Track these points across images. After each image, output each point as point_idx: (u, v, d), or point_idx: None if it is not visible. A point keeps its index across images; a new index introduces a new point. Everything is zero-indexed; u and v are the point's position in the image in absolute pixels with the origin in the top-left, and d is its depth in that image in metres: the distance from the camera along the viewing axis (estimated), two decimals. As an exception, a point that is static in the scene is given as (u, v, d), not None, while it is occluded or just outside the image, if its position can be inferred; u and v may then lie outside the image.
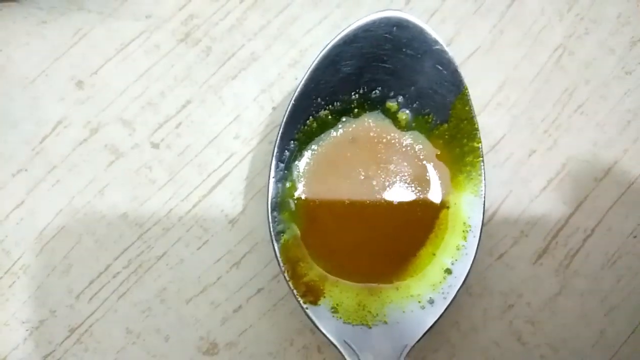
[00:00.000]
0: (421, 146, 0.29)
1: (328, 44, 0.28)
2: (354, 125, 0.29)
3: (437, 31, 0.31)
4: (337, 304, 0.27)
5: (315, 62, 0.28)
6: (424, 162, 0.29)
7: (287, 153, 0.28)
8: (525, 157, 0.31)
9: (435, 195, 0.29)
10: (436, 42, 0.28)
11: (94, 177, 0.30)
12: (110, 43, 0.31)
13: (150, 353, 0.29)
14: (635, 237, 0.30)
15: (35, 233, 0.30)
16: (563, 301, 0.30)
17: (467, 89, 0.28)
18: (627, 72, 0.32)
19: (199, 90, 0.31)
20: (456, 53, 0.31)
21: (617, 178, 0.31)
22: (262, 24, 0.31)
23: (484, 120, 0.31)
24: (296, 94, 0.28)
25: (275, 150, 0.28)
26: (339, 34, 0.28)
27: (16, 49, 0.31)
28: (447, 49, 0.28)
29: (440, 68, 0.28)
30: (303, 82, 0.28)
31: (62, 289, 0.29)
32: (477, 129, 0.28)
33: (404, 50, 0.28)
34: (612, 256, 0.30)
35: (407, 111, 0.29)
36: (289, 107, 0.28)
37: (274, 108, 0.31)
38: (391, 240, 0.29)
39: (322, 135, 0.29)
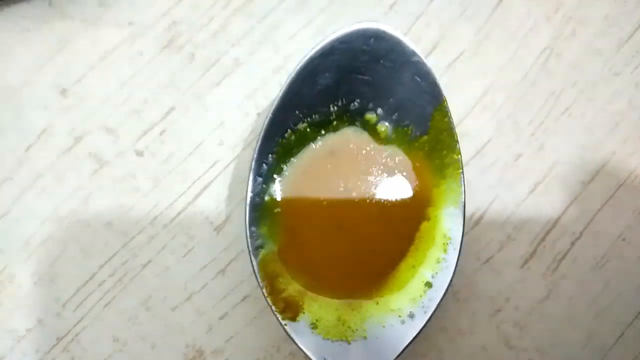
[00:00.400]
0: (401, 157, 0.29)
1: (305, 56, 0.28)
2: (333, 138, 0.29)
3: (421, 35, 0.31)
4: (316, 320, 0.27)
5: (292, 75, 0.28)
6: (404, 174, 0.29)
7: (265, 167, 0.28)
8: (512, 160, 0.31)
9: (415, 207, 0.29)
10: (414, 53, 0.28)
11: (78, 186, 0.30)
12: (94, 51, 0.31)
13: (137, 361, 0.29)
14: (623, 240, 0.30)
15: (21, 242, 0.30)
16: (551, 305, 0.30)
17: (445, 100, 0.28)
18: (614, 73, 0.31)
19: (183, 97, 0.31)
20: (441, 57, 0.31)
21: (605, 181, 0.31)
22: (246, 30, 0.31)
23: (469, 124, 0.31)
24: (274, 107, 0.28)
25: (253, 165, 0.28)
26: (315, 46, 0.28)
27: (0, 57, 0.31)
28: (425, 60, 0.28)
29: (419, 79, 0.28)
30: (280, 95, 0.28)
31: (48, 297, 0.29)
32: (456, 141, 0.28)
33: (381, 62, 0.28)
34: (601, 259, 0.30)
35: (387, 123, 0.29)
36: (267, 121, 0.28)
37: (258, 114, 0.31)
38: (371, 254, 0.28)
39: (301, 148, 0.29)
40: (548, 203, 0.30)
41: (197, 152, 0.30)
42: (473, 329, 0.30)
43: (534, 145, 0.31)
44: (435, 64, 0.31)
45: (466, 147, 0.31)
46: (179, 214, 0.30)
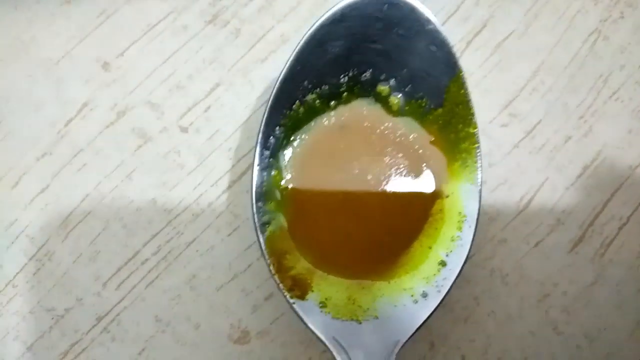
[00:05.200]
0: (415, 134, 0.28)
1: (315, 23, 0.27)
2: (344, 112, 0.28)
3: (470, 14, 0.31)
4: (325, 299, 0.26)
5: (302, 42, 0.27)
6: (418, 150, 0.28)
7: (272, 140, 0.27)
8: (561, 143, 0.30)
9: (430, 185, 0.28)
10: (429, 21, 0.27)
11: (121, 162, 0.29)
12: (137, 24, 0.30)
13: (180, 342, 0.28)
14: (671, 225, 0.30)
15: (61, 218, 0.29)
16: (599, 290, 0.29)
17: (461, 71, 0.27)
18: (663, 57, 0.31)
19: (228, 73, 0.30)
20: (490, 36, 0.31)
21: (653, 165, 0.30)
22: (292, 6, 0.31)
23: (518, 106, 0.30)
24: (281, 76, 0.27)
25: (260, 137, 0.27)
26: (326, 12, 0.27)
27: (40, 29, 0.30)
28: (440, 28, 0.27)
29: (434, 49, 0.27)
30: (288, 64, 0.27)
31: (88, 276, 0.29)
32: (472, 114, 0.27)
33: (395, 30, 0.27)
34: (648, 245, 0.30)
35: (399, 95, 0.28)
36: (274, 91, 0.27)
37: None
38: (384, 232, 0.28)
39: (311, 122, 0.28)
40: (596, 187, 0.30)
41: (242, 129, 0.30)
42: (521, 314, 0.29)
43: (583, 128, 0.30)
44: (484, 43, 0.31)
45: (515, 128, 0.30)
46: (224, 192, 0.29)
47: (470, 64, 0.30)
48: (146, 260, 0.29)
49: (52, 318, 0.29)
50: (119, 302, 0.29)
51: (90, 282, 0.29)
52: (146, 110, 0.30)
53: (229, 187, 0.29)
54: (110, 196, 0.29)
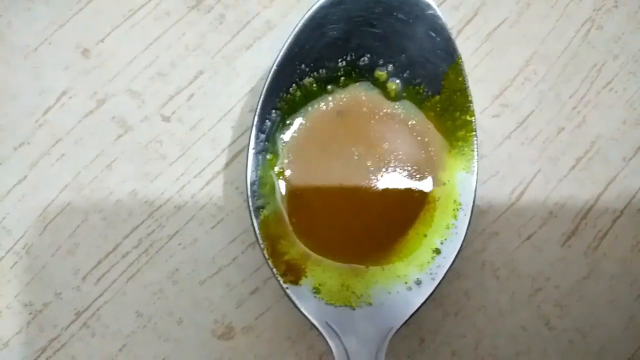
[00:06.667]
0: (414, 121, 0.28)
1: (313, 5, 0.27)
2: (341, 97, 0.28)
3: (462, 1, 0.30)
4: (319, 284, 0.26)
5: (300, 24, 0.27)
6: (417, 137, 0.28)
7: (268, 123, 0.27)
8: (554, 134, 0.30)
9: (427, 172, 0.28)
10: (429, 6, 0.27)
11: (101, 151, 0.29)
12: (118, 9, 0.30)
13: (162, 337, 0.28)
14: (665, 218, 0.29)
15: (39, 210, 0.28)
16: (592, 285, 0.29)
17: (460, 58, 0.27)
18: (657, 47, 0.31)
19: (212, 60, 0.29)
20: (482, 25, 0.30)
21: (647, 157, 0.30)
22: (279, -9, 0.30)
23: (511, 96, 0.30)
24: (279, 58, 0.27)
25: (256, 120, 0.27)
26: None
27: (17, 15, 0.29)
28: (440, 14, 0.27)
29: (433, 35, 0.27)
30: (286, 46, 0.27)
31: (67, 270, 0.28)
32: (470, 101, 0.27)
33: (394, 14, 0.27)
34: (642, 238, 0.29)
35: (397, 81, 0.28)
36: (271, 73, 0.27)
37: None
38: (379, 219, 0.27)
39: (307, 106, 0.28)
40: (589, 179, 0.29)
41: (226, 118, 0.29)
42: (513, 309, 0.28)
43: (576, 119, 0.30)
44: (475, 32, 0.30)
45: (507, 119, 0.30)
46: (207, 183, 0.29)
47: (461, 53, 0.30)
48: (127, 253, 0.28)
49: (30, 313, 0.28)
50: (99, 297, 0.28)
51: (69, 276, 0.28)
52: (127, 98, 0.29)
53: (213, 178, 0.29)
54: (89, 187, 0.28)
